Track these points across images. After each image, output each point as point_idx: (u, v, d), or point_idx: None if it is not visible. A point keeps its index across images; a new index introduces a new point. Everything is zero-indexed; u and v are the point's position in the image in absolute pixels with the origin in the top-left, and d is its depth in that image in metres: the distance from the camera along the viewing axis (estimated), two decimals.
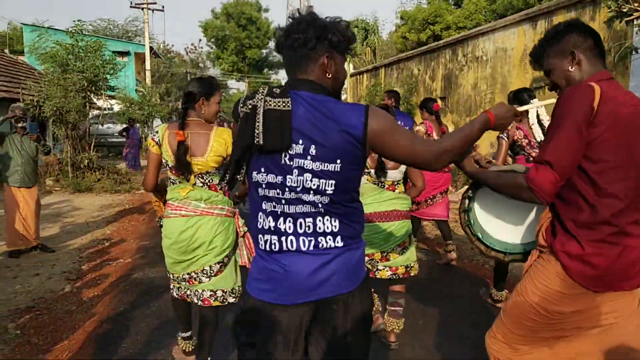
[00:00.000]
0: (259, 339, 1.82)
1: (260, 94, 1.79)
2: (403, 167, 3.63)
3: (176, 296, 3.29)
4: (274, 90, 1.81)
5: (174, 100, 27.78)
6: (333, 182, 1.76)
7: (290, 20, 1.90)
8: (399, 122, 1.90)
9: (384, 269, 3.59)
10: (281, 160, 1.77)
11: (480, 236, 2.56)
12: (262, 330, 1.82)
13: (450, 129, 13.31)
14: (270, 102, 1.77)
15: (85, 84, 12.89)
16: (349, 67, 23.05)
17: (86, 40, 13.39)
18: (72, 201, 10.60)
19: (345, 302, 1.81)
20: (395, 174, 3.61)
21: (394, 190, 3.62)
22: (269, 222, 1.82)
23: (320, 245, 1.79)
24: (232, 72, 49.19)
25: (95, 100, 14.40)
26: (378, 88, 17.72)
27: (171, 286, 3.31)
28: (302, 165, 1.76)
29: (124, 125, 17.90)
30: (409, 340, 3.82)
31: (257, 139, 1.75)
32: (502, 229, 2.57)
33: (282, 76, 52.65)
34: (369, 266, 3.59)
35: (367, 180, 3.63)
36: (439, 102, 5.25)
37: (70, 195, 11.32)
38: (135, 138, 16.99)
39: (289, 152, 1.76)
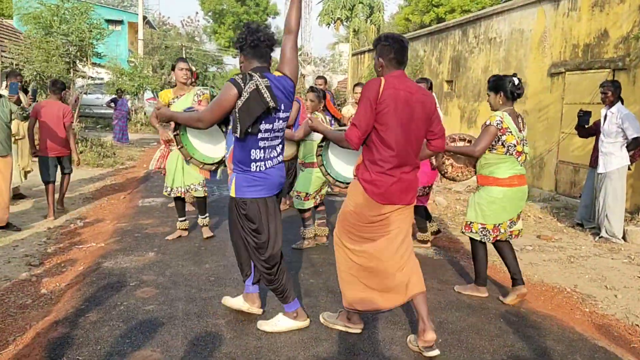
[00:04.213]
0: (264, 217, 3.29)
1: (256, 76, 3.08)
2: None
3: (176, 195, 5.52)
4: (258, 73, 3.12)
5: (167, 73, 26.73)
6: (285, 123, 3.33)
7: (257, 28, 3.23)
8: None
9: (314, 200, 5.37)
10: (273, 114, 3.17)
11: (329, 171, 4.15)
12: (263, 212, 3.28)
13: (456, 114, 12.63)
14: (264, 81, 3.07)
15: (70, 49, 12.03)
16: (350, 48, 22.22)
17: (72, 2, 12.50)
18: None
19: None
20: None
21: None
22: (261, 153, 3.21)
23: (278, 161, 3.33)
24: (228, 47, 47.88)
25: (80, 67, 13.53)
26: None
27: (170, 192, 5.49)
28: (279, 116, 3.23)
29: (113, 96, 17.03)
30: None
31: (272, 104, 3.08)
32: (345, 167, 4.12)
33: (277, 54, 51.41)
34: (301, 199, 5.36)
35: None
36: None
37: None
38: (123, 110, 16.15)
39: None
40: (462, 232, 4.26)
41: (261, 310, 3.71)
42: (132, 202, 7.76)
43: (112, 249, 5.22)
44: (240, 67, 3.36)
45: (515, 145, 3.95)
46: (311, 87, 5.68)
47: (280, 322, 3.45)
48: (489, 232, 4.06)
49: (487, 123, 3.96)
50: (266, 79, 3.09)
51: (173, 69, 5.50)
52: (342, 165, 4.20)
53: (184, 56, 34.05)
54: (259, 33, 3.18)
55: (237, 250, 3.53)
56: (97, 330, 3.38)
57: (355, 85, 7.61)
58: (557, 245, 6.09)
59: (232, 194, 3.31)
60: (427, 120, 3.21)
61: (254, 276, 3.61)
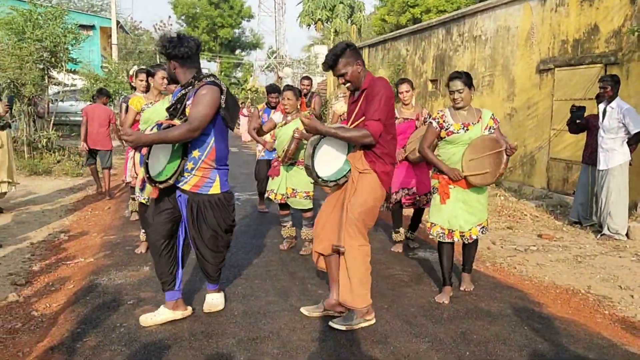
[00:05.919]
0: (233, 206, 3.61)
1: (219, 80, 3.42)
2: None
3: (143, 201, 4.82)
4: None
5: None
6: None
7: (188, 37, 3.37)
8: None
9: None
10: None
11: (317, 174, 3.76)
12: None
13: None
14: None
15: (44, 55, 11.60)
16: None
17: (45, 7, 12.07)
18: (27, 185, 9.36)
19: None
20: None
21: None
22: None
23: None
24: (203, 51, 47.29)
25: (55, 73, 13.06)
26: None
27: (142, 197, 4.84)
28: None
29: (89, 103, 16.53)
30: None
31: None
32: (327, 167, 3.79)
33: (254, 57, 50.94)
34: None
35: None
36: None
37: (26, 179, 10.02)
38: None
39: None
40: (481, 234, 4.10)
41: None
42: (117, 212, 7.42)
43: (103, 264, 4.92)
44: (173, 74, 3.43)
45: None
46: (288, 85, 5.39)
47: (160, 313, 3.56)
48: None
49: (499, 120, 4.19)
50: None
51: (152, 75, 5.27)
52: (323, 166, 3.78)
53: (157, 61, 33.47)
54: (193, 41, 3.34)
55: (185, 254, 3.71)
56: (97, 356, 3.11)
57: None
58: (560, 245, 5.97)
59: (217, 190, 3.43)
60: None
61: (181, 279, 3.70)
